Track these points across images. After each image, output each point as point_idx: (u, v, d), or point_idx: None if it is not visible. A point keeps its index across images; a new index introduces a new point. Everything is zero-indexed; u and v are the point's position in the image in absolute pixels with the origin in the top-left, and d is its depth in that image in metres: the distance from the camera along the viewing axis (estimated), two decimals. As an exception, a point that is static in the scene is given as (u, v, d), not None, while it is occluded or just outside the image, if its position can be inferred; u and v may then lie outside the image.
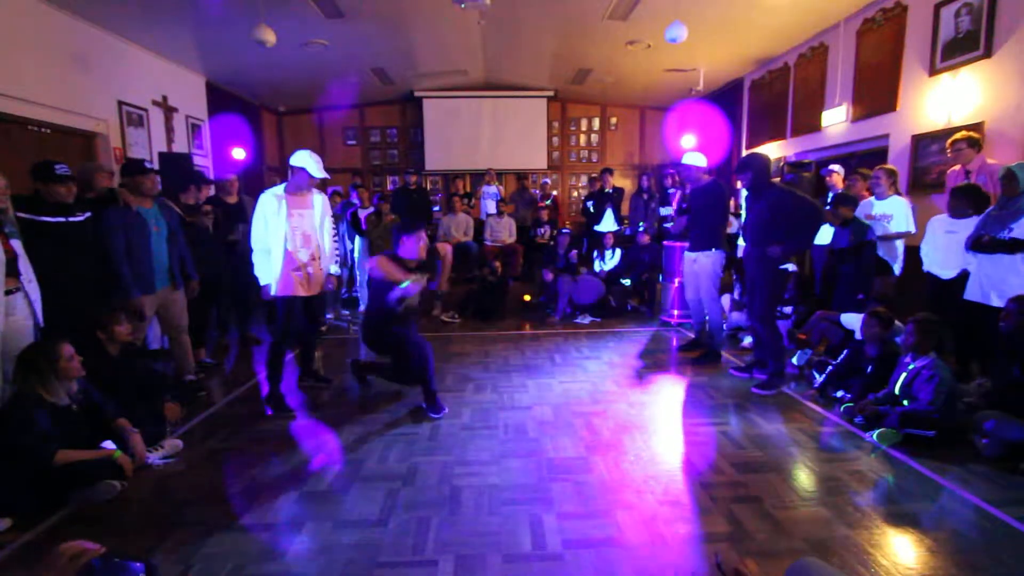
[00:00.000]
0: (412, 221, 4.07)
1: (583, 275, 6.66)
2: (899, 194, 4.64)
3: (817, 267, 5.20)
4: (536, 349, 5.16)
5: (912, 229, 4.43)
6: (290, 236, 3.53)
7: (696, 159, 4.70)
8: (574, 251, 6.91)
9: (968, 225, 3.65)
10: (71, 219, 3.39)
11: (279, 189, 3.57)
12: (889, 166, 4.74)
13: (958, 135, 4.11)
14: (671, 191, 7.45)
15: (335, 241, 4.03)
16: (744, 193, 5.62)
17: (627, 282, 6.96)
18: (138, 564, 1.37)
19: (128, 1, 4.90)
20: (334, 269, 3.91)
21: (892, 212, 4.49)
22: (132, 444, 2.75)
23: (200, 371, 4.33)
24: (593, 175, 9.70)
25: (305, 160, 3.54)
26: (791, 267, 3.86)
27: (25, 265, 2.97)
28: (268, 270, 3.54)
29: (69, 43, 4.90)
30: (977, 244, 3.46)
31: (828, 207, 4.67)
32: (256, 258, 3.56)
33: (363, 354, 4.55)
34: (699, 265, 4.67)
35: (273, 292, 3.54)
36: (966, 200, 3.75)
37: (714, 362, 4.61)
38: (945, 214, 3.96)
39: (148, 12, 5.14)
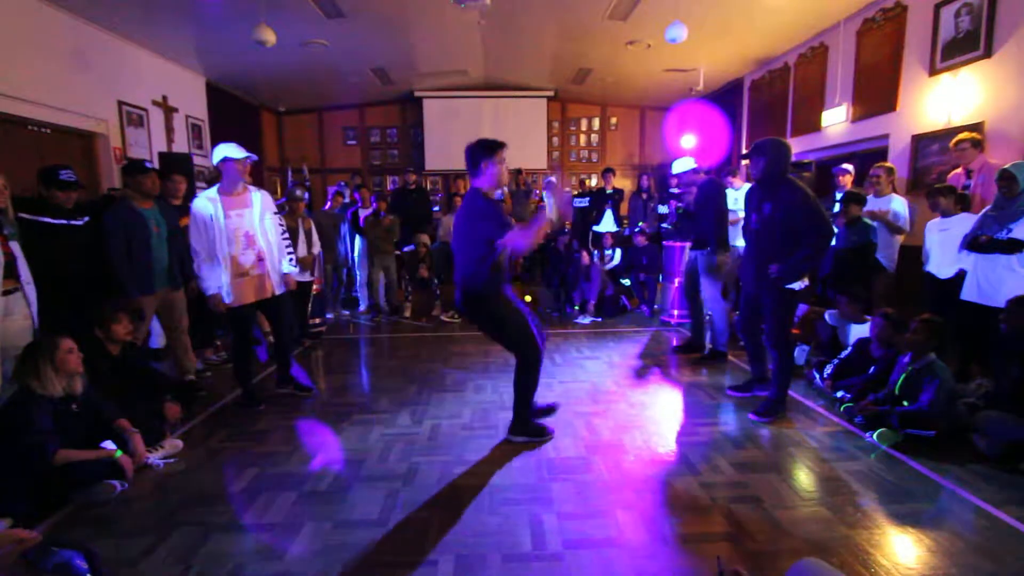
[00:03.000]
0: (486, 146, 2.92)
1: (595, 271, 6.67)
2: (896, 192, 4.65)
3: (824, 266, 5.18)
4: (536, 349, 5.15)
5: (907, 228, 4.45)
6: (231, 239, 3.36)
7: (684, 164, 4.76)
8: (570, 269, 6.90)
9: (959, 221, 3.71)
10: (72, 222, 3.41)
11: (212, 192, 3.39)
12: (888, 164, 4.75)
13: (962, 135, 4.11)
14: (673, 191, 7.41)
15: (284, 238, 3.72)
16: (741, 186, 5.61)
17: (627, 282, 6.97)
18: (76, 553, 1.30)
19: (128, 1, 4.90)
20: (287, 267, 3.69)
21: (890, 209, 4.50)
22: (132, 444, 2.75)
23: (207, 370, 4.38)
24: (584, 176, 9.68)
25: (224, 150, 3.38)
26: (798, 285, 3.27)
27: (23, 267, 2.97)
28: (215, 278, 3.37)
29: (69, 43, 4.90)
30: (974, 244, 3.46)
31: (839, 206, 4.70)
32: (201, 270, 3.37)
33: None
34: (700, 265, 4.67)
35: (226, 301, 3.40)
36: (946, 198, 3.84)
37: (719, 362, 4.59)
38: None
39: (148, 12, 5.14)
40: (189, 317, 4.09)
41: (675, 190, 7.32)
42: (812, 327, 4.37)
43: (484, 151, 2.86)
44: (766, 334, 3.50)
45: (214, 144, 7.30)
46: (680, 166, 4.78)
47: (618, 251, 7.04)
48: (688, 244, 5.94)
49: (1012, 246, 3.29)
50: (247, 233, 3.45)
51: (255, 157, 3.53)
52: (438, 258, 6.92)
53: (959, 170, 4.21)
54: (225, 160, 3.39)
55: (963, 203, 3.92)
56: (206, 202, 3.35)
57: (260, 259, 3.53)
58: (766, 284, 3.31)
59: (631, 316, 6.66)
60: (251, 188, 3.57)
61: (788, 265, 3.19)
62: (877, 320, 3.66)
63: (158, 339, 4.42)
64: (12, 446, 2.41)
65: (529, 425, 3.10)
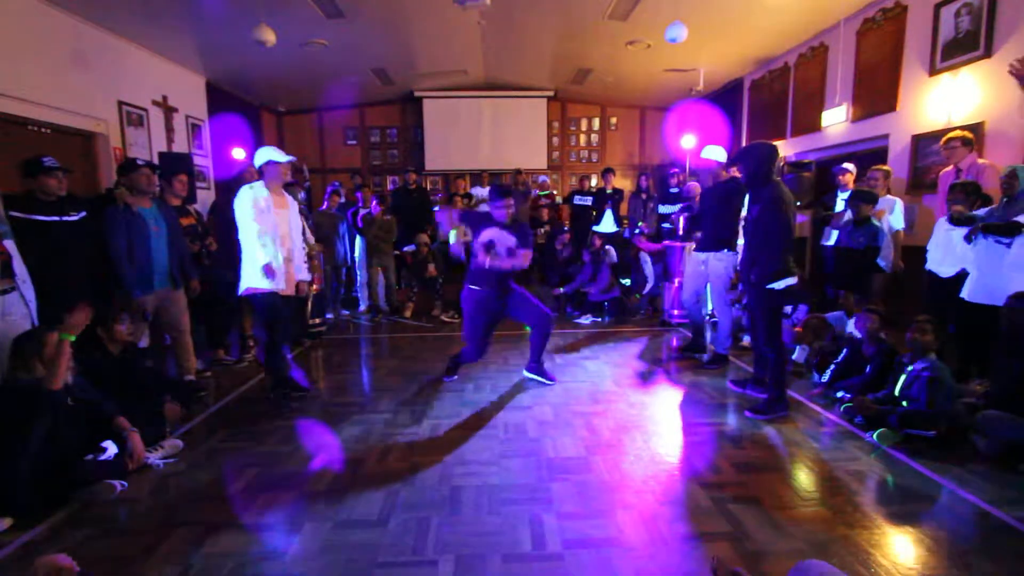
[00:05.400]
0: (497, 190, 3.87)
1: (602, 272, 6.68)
2: (891, 194, 4.68)
3: (828, 265, 5.18)
4: (536, 349, 5.14)
5: (903, 226, 4.47)
6: (272, 234, 3.51)
7: (716, 153, 4.51)
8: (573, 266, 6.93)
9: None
10: (65, 218, 3.40)
11: (260, 184, 3.53)
12: (885, 167, 4.79)
13: (952, 133, 4.12)
14: (673, 191, 7.39)
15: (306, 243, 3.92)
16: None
17: (627, 282, 6.97)
18: None
19: (128, 1, 4.90)
20: (304, 275, 3.85)
21: (885, 209, 4.52)
22: (131, 443, 2.75)
23: (208, 370, 4.42)
24: (584, 175, 9.67)
25: (267, 153, 3.54)
26: (779, 285, 3.31)
27: (19, 265, 2.97)
28: (257, 268, 3.47)
29: (69, 43, 4.89)
30: (973, 231, 3.42)
31: (845, 204, 4.70)
32: (255, 256, 3.45)
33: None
34: (710, 267, 4.52)
35: (266, 286, 3.48)
36: (963, 195, 3.72)
37: (721, 366, 4.55)
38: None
39: (148, 12, 5.14)
40: (199, 318, 4.10)
41: (675, 189, 7.33)
42: (813, 329, 4.37)
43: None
44: (757, 335, 3.55)
45: (213, 144, 7.36)
46: (710, 153, 4.52)
47: (612, 249, 7.04)
48: (689, 244, 5.94)
49: (1011, 228, 3.26)
50: (282, 233, 3.60)
51: (295, 159, 3.72)
52: (439, 258, 6.93)
53: (949, 168, 4.21)
54: (269, 163, 3.53)
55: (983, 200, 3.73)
56: (262, 190, 3.50)
57: (288, 260, 3.65)
58: (753, 285, 3.43)
59: (631, 316, 6.66)
60: (286, 193, 3.72)
61: (761, 268, 3.31)
62: (862, 316, 3.65)
63: (144, 339, 4.39)
64: (10, 442, 2.41)
65: (542, 369, 4.07)
